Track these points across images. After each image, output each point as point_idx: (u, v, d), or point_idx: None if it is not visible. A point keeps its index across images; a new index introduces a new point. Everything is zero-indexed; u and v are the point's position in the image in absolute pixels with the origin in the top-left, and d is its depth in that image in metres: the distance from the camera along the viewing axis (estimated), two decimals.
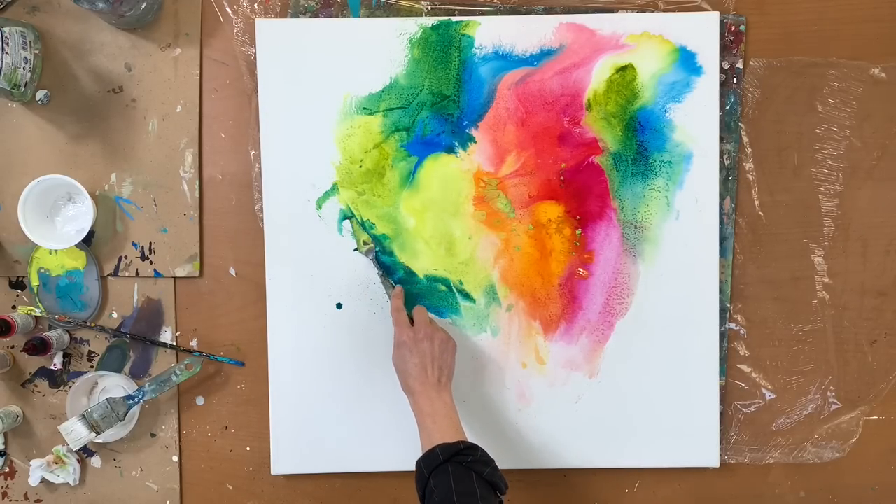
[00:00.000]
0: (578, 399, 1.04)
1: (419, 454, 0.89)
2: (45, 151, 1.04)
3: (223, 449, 1.06)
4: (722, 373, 1.05)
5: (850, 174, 1.05)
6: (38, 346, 1.00)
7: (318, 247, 1.03)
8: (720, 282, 1.04)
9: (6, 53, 0.96)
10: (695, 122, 1.02)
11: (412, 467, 1.04)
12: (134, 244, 1.05)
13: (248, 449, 1.06)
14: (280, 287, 1.03)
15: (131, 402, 1.00)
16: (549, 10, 1.03)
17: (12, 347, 1.06)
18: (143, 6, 0.99)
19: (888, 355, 1.07)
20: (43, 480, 1.04)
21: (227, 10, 1.04)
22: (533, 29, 1.02)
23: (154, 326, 1.05)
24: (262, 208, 1.03)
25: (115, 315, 1.05)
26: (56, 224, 1.04)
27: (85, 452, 1.06)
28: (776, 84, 1.04)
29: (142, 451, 1.06)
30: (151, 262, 1.05)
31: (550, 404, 1.04)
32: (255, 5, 1.03)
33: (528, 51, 1.02)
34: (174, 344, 1.05)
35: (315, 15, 1.03)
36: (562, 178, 1.03)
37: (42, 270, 1.04)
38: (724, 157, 1.04)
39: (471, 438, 0.91)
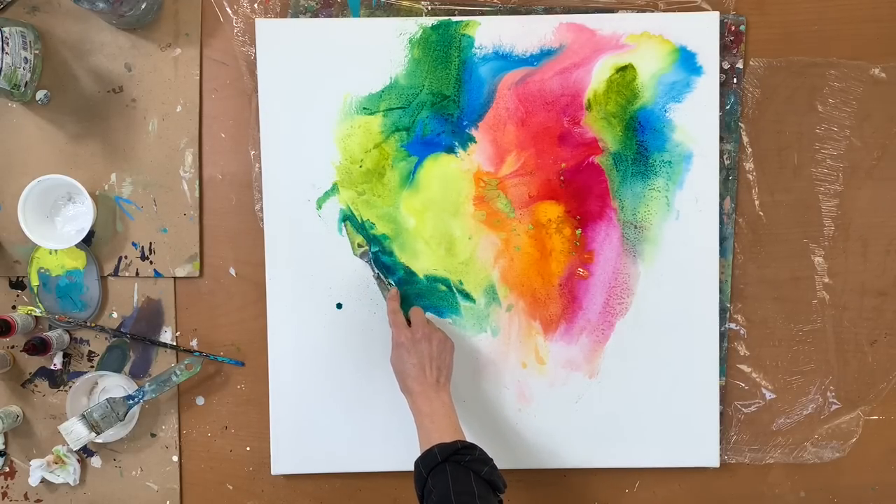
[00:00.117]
0: (578, 399, 1.04)
1: (419, 454, 0.89)
2: (45, 151, 1.04)
3: (223, 449, 1.06)
4: (722, 373, 1.05)
5: (850, 174, 1.05)
6: (38, 346, 1.00)
7: (318, 247, 1.03)
8: (720, 282, 1.04)
9: (6, 53, 0.96)
10: (695, 122, 1.02)
11: (412, 467, 1.04)
12: (134, 244, 1.05)
13: (248, 449, 1.06)
14: (280, 287, 1.03)
15: (131, 402, 1.00)
16: (549, 10, 1.03)
17: (12, 347, 1.06)
18: (143, 6, 0.99)
19: (888, 355, 1.07)
20: (43, 480, 1.04)
21: (227, 10, 1.04)
22: (533, 29, 1.02)
23: (154, 326, 1.05)
24: (262, 208, 1.03)
25: (115, 315, 1.05)
26: (56, 224, 1.04)
27: (85, 452, 1.06)
28: (776, 84, 1.04)
29: (142, 451, 1.06)
30: (151, 262, 1.05)
31: (550, 404, 1.04)
32: (255, 5, 1.03)
33: (528, 51, 1.02)
34: (174, 344, 1.05)
35: (315, 15, 1.03)
36: (562, 178, 1.03)
37: (42, 270, 1.04)
38: (724, 157, 1.04)
39: (470, 438, 0.91)
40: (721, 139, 1.03)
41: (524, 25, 1.02)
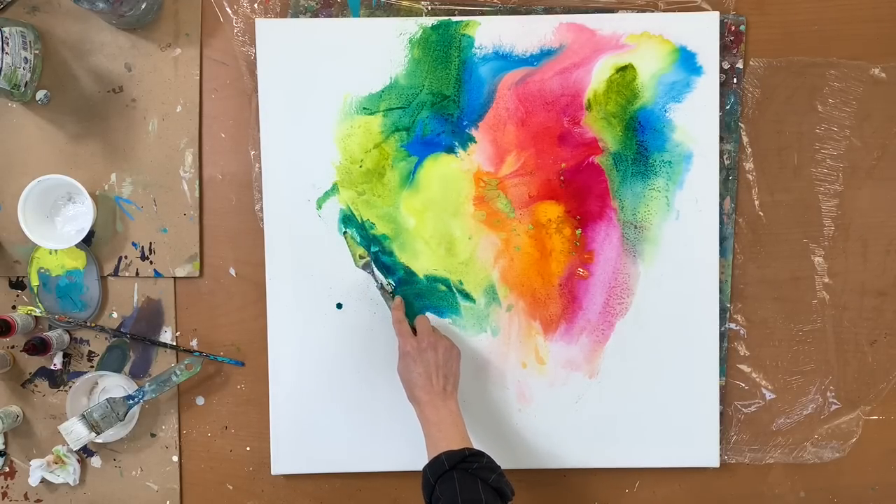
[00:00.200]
0: (578, 399, 1.04)
1: (419, 454, 0.89)
2: (45, 151, 1.04)
3: (223, 449, 1.06)
4: (722, 373, 1.05)
5: (850, 174, 1.05)
6: (38, 346, 1.00)
7: (318, 247, 1.03)
8: (720, 282, 1.04)
9: (6, 53, 0.96)
10: (695, 122, 1.02)
11: (412, 467, 1.04)
12: (134, 244, 1.05)
13: (248, 449, 1.06)
14: (280, 287, 1.03)
15: (131, 402, 1.00)
16: (549, 10, 1.03)
17: (12, 347, 1.06)
18: (143, 6, 0.99)
19: (888, 355, 1.07)
20: (43, 480, 1.04)
21: (227, 10, 1.04)
22: (533, 29, 1.02)
23: (154, 326, 1.05)
24: (262, 208, 1.03)
25: (115, 315, 1.05)
26: (56, 224, 1.04)
27: (85, 452, 1.06)
28: (776, 84, 1.04)
29: (142, 451, 1.06)
30: (151, 262, 1.05)
31: (550, 404, 1.04)
32: (255, 5, 1.03)
33: (528, 51, 1.02)
34: (174, 344, 1.05)
35: (315, 15, 1.03)
36: (562, 178, 1.03)
37: (42, 270, 1.04)
38: (724, 157, 1.04)
39: (471, 439, 0.91)
40: (721, 139, 1.03)
41: (524, 25, 1.02)
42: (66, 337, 1.05)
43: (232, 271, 1.06)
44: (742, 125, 1.04)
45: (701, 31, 1.02)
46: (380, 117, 1.02)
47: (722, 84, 1.03)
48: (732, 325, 1.06)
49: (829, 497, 1.08)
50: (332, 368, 1.04)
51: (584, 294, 1.04)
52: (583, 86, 1.02)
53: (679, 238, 1.03)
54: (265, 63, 1.02)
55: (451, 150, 1.03)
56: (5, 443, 1.06)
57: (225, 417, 1.06)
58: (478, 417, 1.04)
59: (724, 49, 1.03)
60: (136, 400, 1.01)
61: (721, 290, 1.04)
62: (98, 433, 0.98)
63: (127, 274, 1.05)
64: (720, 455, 1.05)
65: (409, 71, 1.02)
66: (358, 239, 1.03)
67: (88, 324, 1.04)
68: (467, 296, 1.04)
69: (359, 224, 1.03)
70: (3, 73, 0.95)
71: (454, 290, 1.04)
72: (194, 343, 1.06)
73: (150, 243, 1.05)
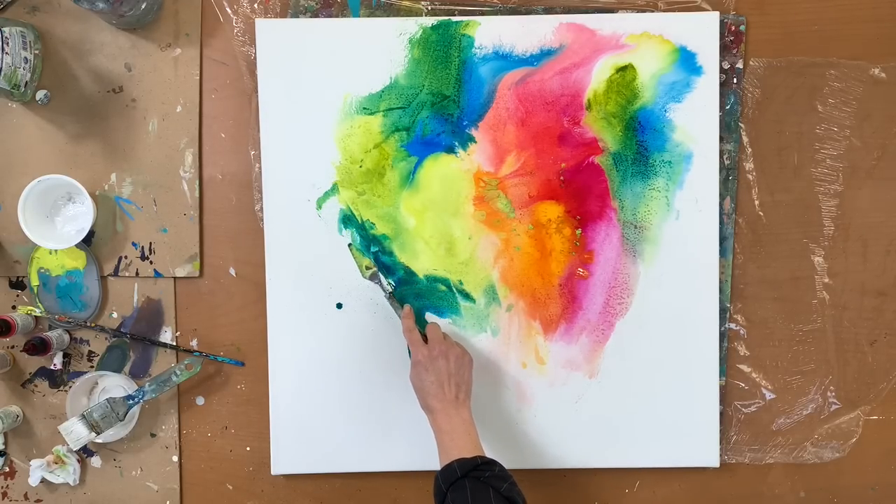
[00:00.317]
0: (578, 399, 1.04)
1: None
2: (45, 151, 1.04)
3: (223, 449, 1.06)
4: (722, 373, 1.05)
5: (850, 174, 1.05)
6: (38, 346, 1.00)
7: (318, 247, 1.03)
8: (720, 282, 1.04)
9: (6, 53, 0.96)
10: (695, 122, 1.02)
11: (412, 467, 1.04)
12: (134, 244, 1.05)
13: (248, 449, 1.06)
14: (280, 287, 1.03)
15: (131, 402, 1.00)
16: (549, 10, 1.03)
17: (12, 347, 1.06)
18: (143, 6, 0.99)
19: (888, 355, 1.07)
20: (43, 480, 1.04)
21: (227, 10, 1.04)
22: (533, 29, 1.02)
23: (154, 326, 1.05)
24: (262, 208, 1.03)
25: (115, 315, 1.05)
26: (56, 224, 1.04)
27: (85, 452, 1.06)
28: (776, 84, 1.04)
29: (142, 451, 1.06)
30: (151, 262, 1.05)
31: (550, 404, 1.04)
32: (255, 5, 1.03)
33: (528, 51, 1.02)
34: (174, 344, 1.05)
35: (315, 15, 1.03)
36: (562, 178, 1.03)
37: (42, 270, 1.04)
38: (724, 157, 1.04)
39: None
40: (721, 139, 1.03)
41: (524, 25, 1.02)
42: (66, 337, 1.05)
43: (232, 271, 1.06)
44: (742, 125, 1.04)
45: (701, 31, 1.02)
46: (380, 117, 1.02)
47: (722, 84, 1.03)
48: (732, 325, 1.06)
49: (829, 497, 1.08)
50: (331, 368, 1.04)
51: (584, 294, 1.04)
52: (583, 86, 1.02)
53: (679, 238, 1.03)
54: (265, 63, 1.02)
55: (451, 150, 1.03)
56: (5, 443, 1.06)
57: (225, 417, 1.06)
58: (478, 417, 1.04)
59: (724, 49, 1.03)
60: (136, 400, 1.01)
61: (721, 290, 1.04)
62: (98, 433, 0.98)
63: (127, 274, 1.05)
64: (720, 455, 1.05)
65: (409, 71, 1.02)
66: (363, 251, 1.03)
67: (88, 324, 1.04)
68: (467, 296, 1.04)
69: (359, 224, 1.03)
70: (3, 73, 0.95)
71: (454, 290, 1.04)
72: (194, 343, 1.06)
73: (150, 243, 1.05)
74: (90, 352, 1.06)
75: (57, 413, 1.06)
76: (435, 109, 1.02)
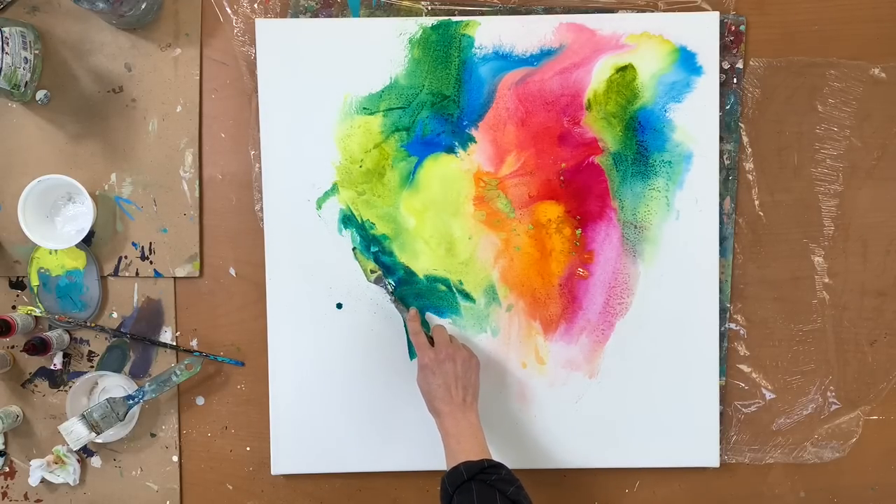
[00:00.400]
0: (578, 399, 1.04)
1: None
2: (45, 151, 1.04)
3: (223, 449, 1.06)
4: (722, 373, 1.05)
5: (850, 174, 1.05)
6: (38, 346, 1.00)
7: (318, 247, 1.03)
8: (720, 282, 1.04)
9: (6, 53, 0.96)
10: (695, 122, 1.02)
11: (412, 467, 1.04)
12: (134, 244, 1.05)
13: (248, 449, 1.06)
14: (280, 287, 1.03)
15: (131, 402, 1.00)
16: (549, 10, 1.03)
17: (12, 347, 1.06)
18: (143, 6, 0.99)
19: (888, 355, 1.07)
20: (43, 480, 1.04)
21: (227, 10, 1.04)
22: (533, 29, 1.02)
23: (154, 326, 1.05)
24: (262, 208, 1.03)
25: (115, 315, 1.05)
26: (56, 224, 1.04)
27: (85, 452, 1.06)
28: (776, 84, 1.04)
29: (142, 451, 1.06)
30: (151, 262, 1.05)
31: (550, 404, 1.04)
32: (255, 5, 1.03)
33: (528, 51, 1.02)
34: (174, 344, 1.05)
35: (315, 15, 1.03)
36: (562, 178, 1.03)
37: (42, 270, 1.04)
38: (724, 157, 1.04)
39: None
40: (721, 139, 1.03)
41: (524, 25, 1.02)
42: (66, 337, 1.05)
43: (232, 271, 1.06)
44: (742, 125, 1.04)
45: (701, 31, 1.02)
46: (380, 117, 1.02)
47: (722, 84, 1.03)
48: (732, 325, 1.06)
49: (829, 497, 1.08)
50: (331, 368, 1.04)
51: (584, 294, 1.04)
52: (583, 86, 1.02)
53: (679, 238, 1.03)
54: (265, 63, 1.02)
55: (451, 150, 1.03)
56: (5, 443, 1.06)
57: (225, 417, 1.06)
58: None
59: (724, 49, 1.03)
60: (136, 400, 1.01)
61: (721, 290, 1.04)
62: (98, 433, 0.98)
63: (127, 274, 1.05)
64: (720, 455, 1.05)
65: (409, 71, 1.02)
66: (363, 251, 1.03)
67: (88, 324, 1.04)
68: (467, 296, 1.04)
69: (359, 224, 1.03)
70: (3, 73, 0.95)
71: (454, 290, 1.04)
72: (194, 343, 1.06)
73: (150, 243, 1.05)
74: (90, 352, 1.06)
75: (57, 413, 1.06)
76: (435, 109, 1.02)
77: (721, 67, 1.03)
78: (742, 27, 1.03)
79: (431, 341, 0.97)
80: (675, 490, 1.07)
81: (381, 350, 1.03)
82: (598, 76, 1.02)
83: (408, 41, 1.02)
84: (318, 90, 1.02)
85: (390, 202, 1.03)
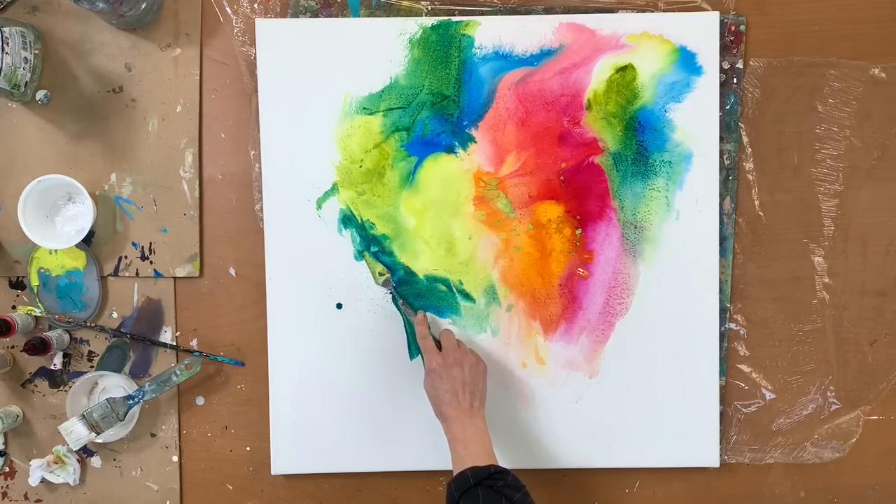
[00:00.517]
0: (578, 399, 1.04)
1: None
2: (45, 151, 1.04)
3: (223, 449, 1.06)
4: (722, 373, 1.05)
5: (850, 174, 1.05)
6: (38, 346, 1.00)
7: (318, 247, 1.03)
8: (720, 282, 1.04)
9: (6, 53, 0.96)
10: (695, 122, 1.02)
11: (412, 467, 1.04)
12: (134, 244, 1.05)
13: (248, 449, 1.06)
14: (280, 287, 1.03)
15: (131, 402, 1.00)
16: (549, 10, 1.03)
17: (12, 347, 1.06)
18: (143, 6, 0.99)
19: (888, 355, 1.07)
20: (43, 480, 1.04)
21: (227, 10, 1.04)
22: (533, 29, 1.02)
23: (154, 326, 1.05)
24: (262, 208, 1.03)
25: (115, 315, 1.05)
26: (56, 224, 1.04)
27: (85, 452, 1.06)
28: (776, 84, 1.04)
29: (142, 451, 1.06)
30: (151, 262, 1.05)
31: (550, 404, 1.04)
32: (255, 5, 1.04)
33: (528, 51, 1.02)
34: (174, 344, 1.05)
35: (315, 15, 1.03)
36: (562, 178, 1.03)
37: (42, 270, 1.04)
38: (724, 157, 1.04)
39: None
40: (721, 139, 1.03)
41: (524, 25, 1.02)
42: (66, 337, 1.05)
43: (232, 271, 1.06)
44: (742, 125, 1.04)
45: (701, 31, 1.02)
46: (380, 117, 1.02)
47: (722, 84, 1.03)
48: (732, 325, 1.06)
49: (829, 497, 1.08)
50: (331, 368, 1.04)
51: (584, 294, 1.04)
52: (583, 86, 1.02)
53: (679, 238, 1.03)
54: (265, 63, 1.02)
55: (451, 150, 1.03)
56: (5, 443, 1.06)
57: (225, 417, 1.06)
58: None
59: (724, 49, 1.03)
60: (136, 400, 1.01)
61: (721, 290, 1.04)
62: (98, 433, 0.98)
63: (127, 274, 1.05)
64: (720, 455, 1.05)
65: (409, 71, 1.02)
66: (372, 255, 1.03)
67: (88, 324, 1.04)
68: (467, 296, 1.04)
69: (359, 224, 1.03)
70: (3, 73, 0.95)
71: (454, 290, 1.04)
72: (194, 343, 1.06)
73: (150, 243, 1.05)
74: (90, 352, 1.06)
75: (57, 413, 1.06)
76: (435, 109, 1.02)
77: (721, 67, 1.03)
78: (742, 27, 1.03)
79: (439, 345, 0.97)
80: (675, 490, 1.07)
81: (381, 350, 1.03)
82: (598, 76, 1.02)
83: (408, 41, 1.02)
84: (317, 90, 1.02)
85: (390, 202, 1.03)
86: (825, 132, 1.05)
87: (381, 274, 1.02)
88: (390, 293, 1.03)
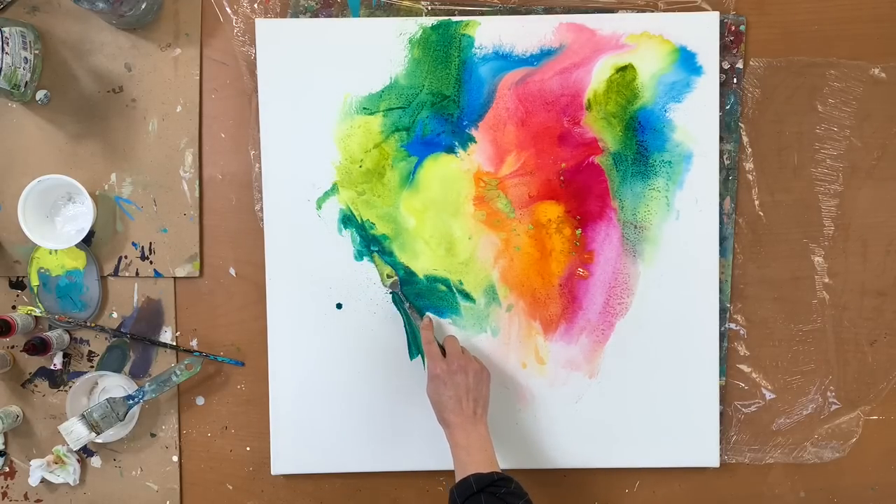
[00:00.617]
0: (578, 399, 1.04)
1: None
2: (45, 151, 1.04)
3: (223, 449, 1.06)
4: (722, 373, 1.05)
5: (850, 174, 1.05)
6: (38, 346, 1.00)
7: (318, 247, 1.03)
8: (720, 282, 1.04)
9: (6, 53, 0.96)
10: (695, 122, 1.02)
11: (412, 467, 1.04)
12: (134, 244, 1.05)
13: (248, 449, 1.06)
14: (280, 287, 1.03)
15: (131, 402, 1.00)
16: (549, 10, 1.03)
17: (12, 347, 1.06)
18: (143, 6, 0.99)
19: (888, 355, 1.07)
20: (43, 480, 1.04)
21: (227, 10, 1.04)
22: (533, 29, 1.02)
23: (154, 326, 1.05)
24: (262, 208, 1.03)
25: (115, 315, 1.05)
26: (56, 224, 1.04)
27: (85, 452, 1.06)
28: (776, 84, 1.04)
29: (142, 451, 1.06)
30: (151, 262, 1.05)
31: (550, 404, 1.04)
32: (255, 5, 1.04)
33: (528, 51, 1.02)
34: (174, 344, 1.05)
35: (315, 15, 1.03)
36: (562, 178, 1.03)
37: (42, 270, 1.04)
38: (724, 157, 1.04)
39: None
40: (721, 139, 1.03)
41: (524, 25, 1.02)
42: (66, 337, 1.05)
43: (232, 271, 1.06)
44: (742, 125, 1.04)
45: (701, 31, 1.02)
46: (380, 117, 1.02)
47: (722, 84, 1.03)
48: (732, 325, 1.06)
49: (829, 497, 1.08)
50: (331, 368, 1.04)
51: (584, 294, 1.04)
52: (583, 86, 1.02)
53: (679, 238, 1.03)
54: (265, 63, 1.02)
55: (451, 150, 1.03)
56: (5, 443, 1.06)
57: (225, 417, 1.06)
58: None
59: (724, 49, 1.03)
60: (136, 400, 1.01)
61: (721, 290, 1.04)
62: (98, 433, 0.98)
63: (127, 274, 1.05)
64: (720, 455, 1.05)
65: (409, 71, 1.02)
66: (368, 255, 1.03)
67: (88, 324, 1.04)
68: (467, 296, 1.04)
69: (359, 224, 1.03)
70: (3, 73, 0.95)
71: (454, 290, 1.04)
72: (194, 343, 1.06)
73: (150, 243, 1.05)
74: (90, 352, 1.06)
75: (57, 413, 1.06)
76: (435, 109, 1.02)
77: (721, 67, 1.03)
78: (742, 27, 1.03)
79: (443, 351, 0.97)
80: (675, 490, 1.07)
81: (381, 350, 1.03)
82: (598, 76, 1.02)
83: (408, 41, 1.02)
84: (317, 90, 1.02)
85: (390, 202, 1.03)
86: (825, 132, 1.05)
87: (388, 276, 1.02)
88: (391, 293, 1.03)
